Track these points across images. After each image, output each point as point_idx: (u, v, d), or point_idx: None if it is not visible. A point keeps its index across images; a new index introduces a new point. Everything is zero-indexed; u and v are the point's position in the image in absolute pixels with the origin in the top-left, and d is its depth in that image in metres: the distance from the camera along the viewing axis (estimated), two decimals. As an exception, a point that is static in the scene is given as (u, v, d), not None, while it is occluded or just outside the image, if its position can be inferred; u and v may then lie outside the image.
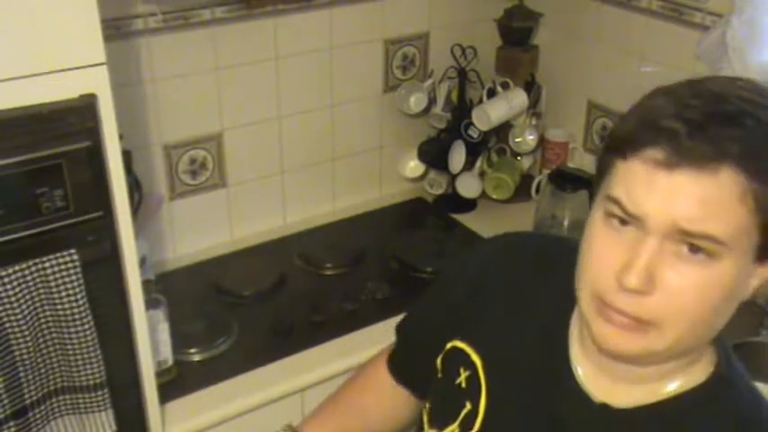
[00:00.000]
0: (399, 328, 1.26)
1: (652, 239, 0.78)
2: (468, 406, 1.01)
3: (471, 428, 1.00)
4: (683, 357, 0.86)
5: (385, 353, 1.28)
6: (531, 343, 0.99)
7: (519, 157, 2.34)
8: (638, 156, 0.79)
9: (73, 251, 1.28)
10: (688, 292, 0.79)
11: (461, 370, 1.04)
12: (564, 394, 0.92)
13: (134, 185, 1.71)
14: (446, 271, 1.35)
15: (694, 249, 0.78)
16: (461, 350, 1.05)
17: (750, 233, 0.78)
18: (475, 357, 1.03)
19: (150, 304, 1.52)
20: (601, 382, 0.90)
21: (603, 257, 0.82)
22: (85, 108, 1.23)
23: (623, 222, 0.81)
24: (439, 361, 1.09)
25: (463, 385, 1.03)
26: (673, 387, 0.88)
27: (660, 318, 0.80)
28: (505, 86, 2.23)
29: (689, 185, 0.76)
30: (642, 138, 0.79)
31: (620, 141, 0.82)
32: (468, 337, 1.05)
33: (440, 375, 1.09)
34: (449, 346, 1.07)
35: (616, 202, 0.80)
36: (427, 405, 1.11)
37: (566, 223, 2.05)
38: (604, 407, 0.89)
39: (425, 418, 1.10)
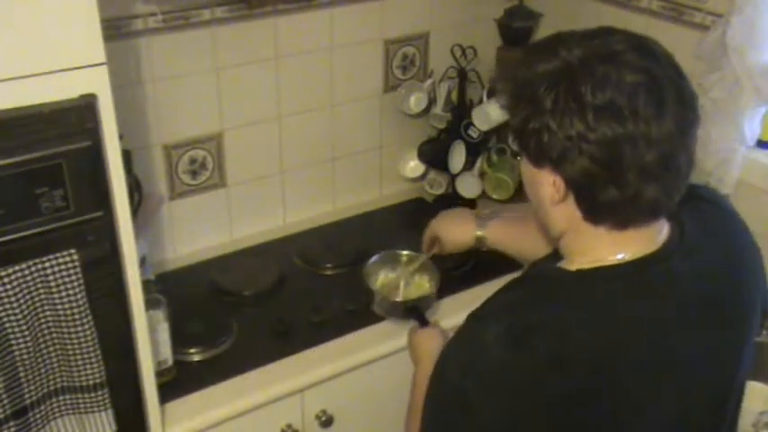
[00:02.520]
0: None
1: None
2: None
3: None
4: (562, 242, 1.13)
5: None
6: None
7: (519, 157, 2.34)
8: None
9: (73, 251, 1.28)
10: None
11: None
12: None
13: (134, 185, 1.71)
14: None
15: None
16: None
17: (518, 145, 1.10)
18: None
19: (150, 304, 1.52)
20: None
21: None
22: (85, 108, 1.23)
23: None
24: None
25: None
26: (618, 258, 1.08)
27: None
28: (505, 86, 2.22)
29: None
30: None
31: None
32: None
33: None
34: None
35: None
36: None
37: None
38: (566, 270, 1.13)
39: None
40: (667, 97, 0.99)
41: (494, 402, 1.05)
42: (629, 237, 1.06)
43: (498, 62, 2.32)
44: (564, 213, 1.08)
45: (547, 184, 1.06)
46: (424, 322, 1.72)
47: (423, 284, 1.89)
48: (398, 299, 1.84)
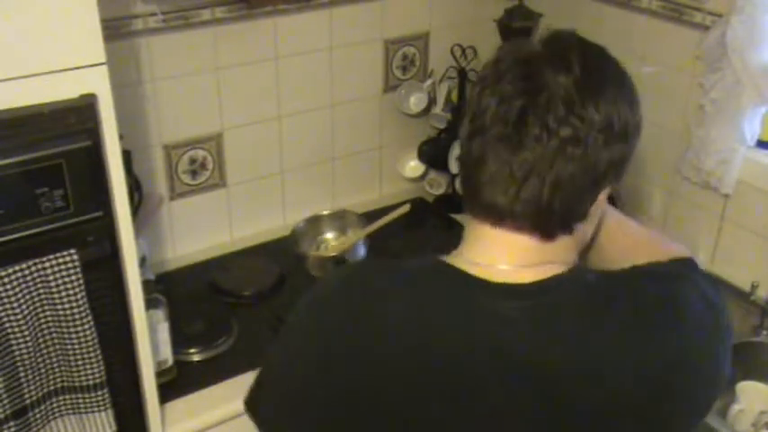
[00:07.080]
0: None
1: None
2: None
3: None
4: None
5: None
6: None
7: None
8: None
9: (73, 251, 1.28)
10: None
11: None
12: None
13: (134, 185, 1.71)
14: None
15: None
16: None
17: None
18: None
19: (150, 304, 1.52)
20: None
21: None
22: (85, 108, 1.23)
23: None
24: None
25: None
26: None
27: None
28: (505, 86, 2.22)
29: None
30: None
31: None
32: None
33: None
34: None
35: None
36: None
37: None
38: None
39: None
40: None
41: None
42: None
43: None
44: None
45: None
46: None
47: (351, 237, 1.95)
48: (332, 254, 1.90)
